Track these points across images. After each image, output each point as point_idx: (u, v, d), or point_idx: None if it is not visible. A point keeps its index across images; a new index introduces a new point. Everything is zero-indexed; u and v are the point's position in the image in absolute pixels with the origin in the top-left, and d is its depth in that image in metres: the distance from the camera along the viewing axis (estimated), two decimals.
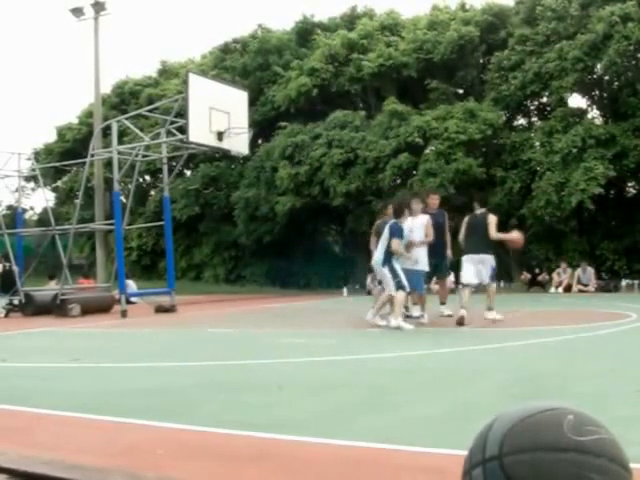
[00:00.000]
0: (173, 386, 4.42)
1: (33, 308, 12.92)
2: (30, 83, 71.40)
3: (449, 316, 9.04)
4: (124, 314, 11.74)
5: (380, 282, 9.32)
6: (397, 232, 8.42)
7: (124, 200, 20.02)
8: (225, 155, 19.16)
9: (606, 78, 18.71)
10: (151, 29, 74.88)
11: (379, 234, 9.08)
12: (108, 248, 20.96)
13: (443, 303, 9.71)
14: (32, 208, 35.16)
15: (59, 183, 31.12)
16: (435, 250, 9.02)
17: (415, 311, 8.93)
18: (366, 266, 10.63)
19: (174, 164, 18.33)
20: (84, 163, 15.30)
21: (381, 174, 19.20)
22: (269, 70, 23.84)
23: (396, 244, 8.33)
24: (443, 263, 9.55)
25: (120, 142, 15.34)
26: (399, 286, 8.25)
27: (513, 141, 19.19)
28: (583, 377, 4.42)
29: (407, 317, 8.68)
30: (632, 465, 1.31)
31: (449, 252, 9.60)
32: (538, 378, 4.32)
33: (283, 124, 22.06)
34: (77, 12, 21.02)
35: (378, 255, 8.56)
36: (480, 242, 8.58)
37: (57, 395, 4.17)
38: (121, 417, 3.42)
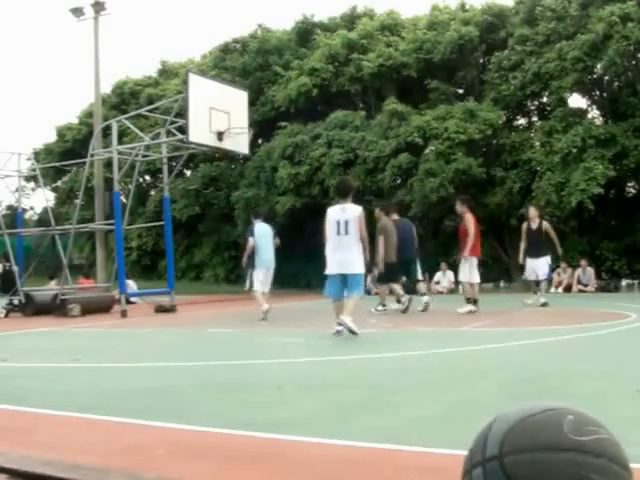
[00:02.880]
0: (173, 386, 4.42)
1: (33, 308, 12.91)
2: (30, 83, 71.48)
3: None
4: (124, 314, 11.75)
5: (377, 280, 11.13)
6: (249, 232, 10.73)
7: (124, 200, 20.03)
8: (225, 155, 19.16)
9: (606, 78, 18.70)
10: (151, 29, 74.96)
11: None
12: (108, 248, 20.95)
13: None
14: (32, 208, 35.27)
15: (59, 183, 31.12)
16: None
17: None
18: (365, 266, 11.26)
19: (174, 164, 18.33)
20: (84, 163, 15.30)
21: (381, 174, 19.19)
22: (269, 70, 23.82)
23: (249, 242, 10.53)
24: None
25: (120, 142, 15.34)
26: (251, 285, 10.59)
27: (513, 141, 19.18)
28: (583, 377, 4.42)
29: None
30: (632, 465, 1.31)
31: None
32: (538, 378, 4.32)
33: (283, 124, 22.04)
34: (77, 12, 21.01)
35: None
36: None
37: (57, 395, 4.17)
38: (121, 417, 3.42)
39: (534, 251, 11.21)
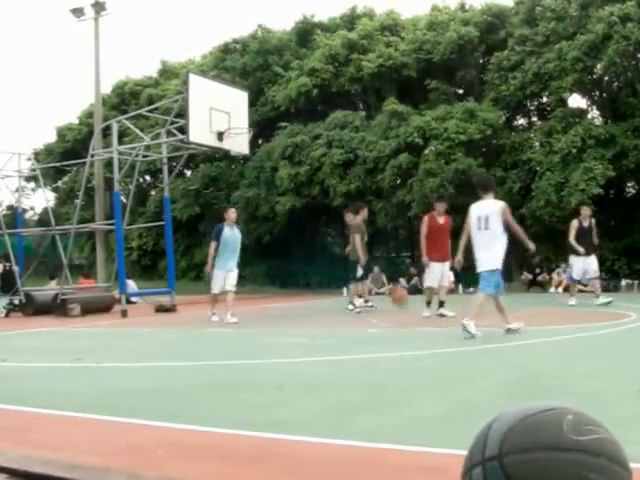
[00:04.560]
0: (173, 386, 4.42)
1: (33, 308, 12.92)
2: (30, 83, 71.46)
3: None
4: (124, 314, 11.75)
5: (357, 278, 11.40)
6: (215, 234, 10.08)
7: (124, 200, 20.01)
8: (225, 155, 19.16)
9: (606, 78, 18.69)
10: (151, 29, 74.89)
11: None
12: (108, 248, 20.95)
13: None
14: (32, 208, 35.25)
15: (59, 183, 31.11)
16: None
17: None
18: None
19: (174, 164, 18.32)
20: (84, 163, 15.31)
21: (381, 174, 19.20)
22: (269, 70, 23.82)
23: (211, 246, 10.04)
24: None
25: (120, 142, 15.33)
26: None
27: (513, 141, 19.18)
28: (583, 377, 4.42)
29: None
30: (632, 465, 1.31)
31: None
32: (538, 378, 4.33)
33: (283, 124, 22.04)
34: (77, 12, 21.01)
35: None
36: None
37: (57, 395, 4.17)
38: (121, 417, 3.42)
39: (587, 250, 11.24)
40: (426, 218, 10.08)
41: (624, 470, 1.28)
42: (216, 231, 10.21)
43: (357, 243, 11.14)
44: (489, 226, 7.08)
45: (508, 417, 1.33)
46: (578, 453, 1.24)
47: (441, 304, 9.72)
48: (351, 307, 11.18)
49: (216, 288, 10.34)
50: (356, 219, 11.47)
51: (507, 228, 7.21)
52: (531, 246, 7.51)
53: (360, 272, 11.29)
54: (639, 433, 2.66)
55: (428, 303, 9.72)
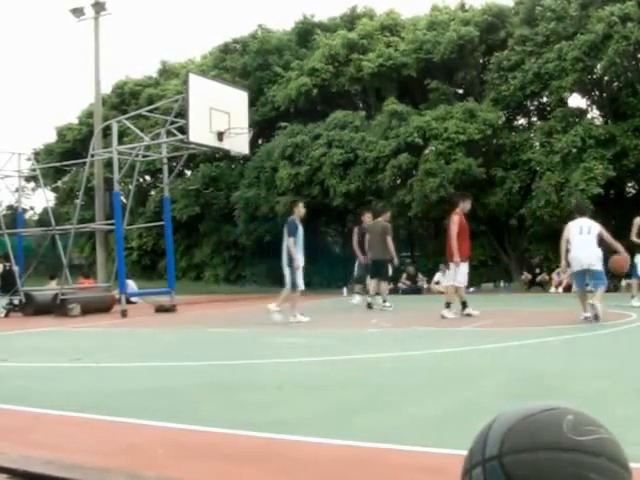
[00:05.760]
0: (173, 386, 4.42)
1: (33, 308, 12.93)
2: (30, 83, 71.44)
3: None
4: (124, 314, 11.76)
5: (372, 275, 11.84)
6: (292, 230, 9.56)
7: (124, 200, 20.03)
8: (225, 155, 19.16)
9: (606, 78, 18.68)
10: (151, 29, 74.86)
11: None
12: (108, 248, 20.95)
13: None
14: (32, 208, 35.30)
15: (59, 183, 31.10)
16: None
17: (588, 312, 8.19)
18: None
19: (174, 164, 18.32)
20: (84, 163, 15.33)
21: (381, 174, 19.19)
22: (269, 70, 23.82)
23: (290, 242, 9.61)
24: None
25: (120, 142, 15.34)
26: (292, 285, 9.60)
27: (513, 141, 19.17)
28: (583, 377, 4.42)
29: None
30: (632, 465, 1.31)
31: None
32: (538, 378, 4.33)
33: (283, 124, 22.04)
34: (77, 12, 20.99)
35: (284, 255, 9.90)
36: None
37: (57, 395, 4.17)
38: (121, 417, 3.42)
39: None
40: (457, 217, 9.60)
41: (624, 470, 1.28)
42: (293, 226, 9.64)
43: (389, 243, 11.52)
44: (591, 232, 8.40)
45: (508, 417, 1.33)
46: (578, 453, 1.24)
47: (448, 305, 9.54)
48: (388, 304, 11.46)
49: (302, 284, 9.80)
50: (378, 222, 11.90)
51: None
52: (625, 254, 8.79)
53: (391, 271, 12.12)
54: (639, 433, 2.66)
55: (465, 303, 9.67)
